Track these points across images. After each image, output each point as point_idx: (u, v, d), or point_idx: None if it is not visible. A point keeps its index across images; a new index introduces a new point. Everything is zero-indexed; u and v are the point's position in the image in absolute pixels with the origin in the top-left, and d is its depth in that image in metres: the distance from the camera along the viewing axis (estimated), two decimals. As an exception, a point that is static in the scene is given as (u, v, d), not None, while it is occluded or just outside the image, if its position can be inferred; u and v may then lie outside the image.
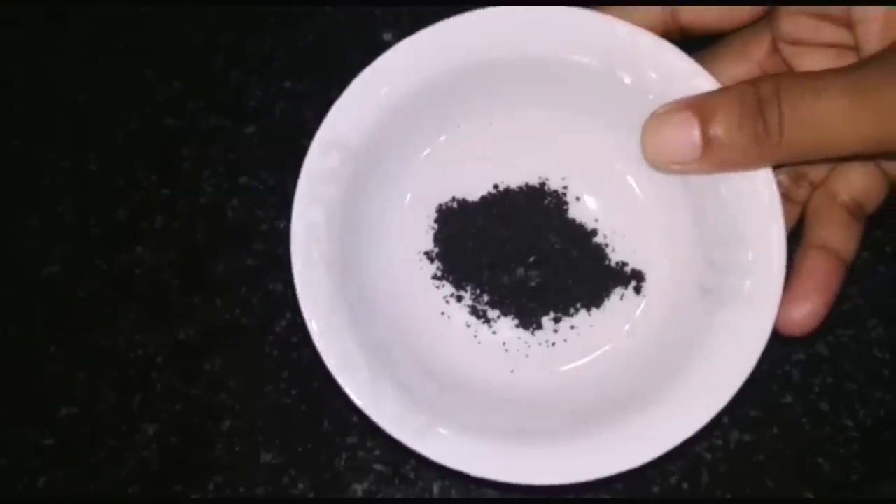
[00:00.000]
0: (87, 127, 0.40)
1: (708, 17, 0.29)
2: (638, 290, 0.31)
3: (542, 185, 0.32)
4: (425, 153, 0.32)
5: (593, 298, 0.31)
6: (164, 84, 0.42)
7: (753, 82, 0.25)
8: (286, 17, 0.45)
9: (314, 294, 0.28)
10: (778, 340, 0.35)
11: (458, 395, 0.29)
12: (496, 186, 0.32)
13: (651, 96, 0.28)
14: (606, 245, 0.31)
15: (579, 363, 0.30)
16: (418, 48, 0.30)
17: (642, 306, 0.31)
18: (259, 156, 0.39)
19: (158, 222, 0.38)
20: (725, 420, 0.33)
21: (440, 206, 0.32)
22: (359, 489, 0.31)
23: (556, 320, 0.31)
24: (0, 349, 0.34)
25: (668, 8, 0.28)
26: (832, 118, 0.24)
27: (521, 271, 0.31)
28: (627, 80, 0.29)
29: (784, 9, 0.28)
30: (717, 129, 0.25)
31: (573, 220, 0.32)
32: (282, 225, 0.37)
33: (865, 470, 0.32)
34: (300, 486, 0.31)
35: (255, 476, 0.31)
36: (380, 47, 0.43)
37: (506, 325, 0.31)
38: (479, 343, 0.31)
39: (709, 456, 0.32)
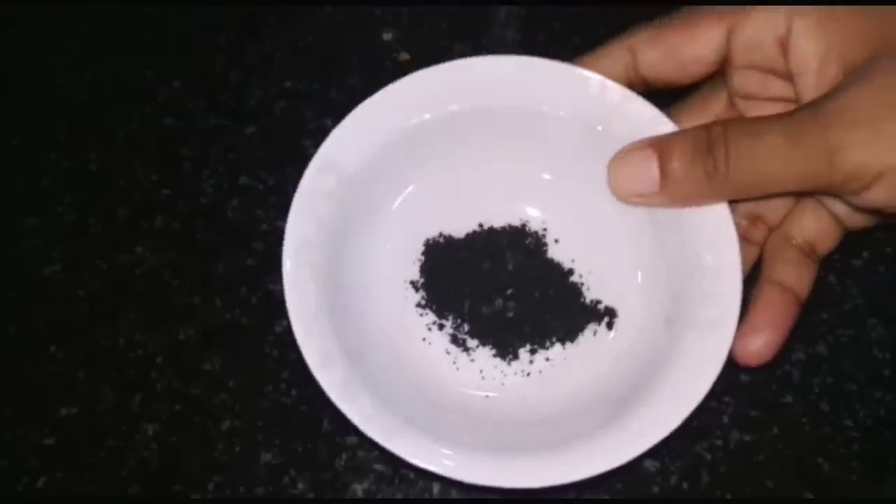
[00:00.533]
0: (87, 127, 0.41)
1: (666, 71, 0.31)
2: (610, 325, 0.33)
3: (524, 226, 0.34)
4: (417, 189, 0.34)
5: (568, 333, 0.32)
6: (164, 84, 0.42)
7: (706, 126, 0.28)
8: (286, 17, 0.45)
9: (300, 297, 0.29)
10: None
11: (433, 408, 0.30)
12: (481, 225, 0.34)
13: (621, 142, 0.30)
14: (582, 284, 0.33)
15: (553, 392, 0.32)
16: (418, 88, 0.32)
17: (613, 339, 0.32)
18: (259, 156, 0.39)
19: (158, 222, 0.38)
20: (725, 420, 0.33)
21: (427, 239, 0.34)
22: (359, 489, 0.31)
23: (532, 352, 0.32)
24: (0, 349, 0.34)
25: (631, 63, 0.31)
26: (769, 158, 0.26)
27: (499, 302, 0.33)
28: (600, 128, 0.31)
29: (735, 66, 0.31)
30: (673, 165, 0.28)
31: (552, 260, 0.34)
32: (282, 225, 0.37)
33: (865, 470, 0.32)
34: (300, 486, 0.31)
35: (255, 476, 0.31)
36: (380, 47, 0.44)
37: (483, 355, 0.32)
38: (458, 369, 0.32)
39: (709, 456, 0.32)
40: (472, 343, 0.32)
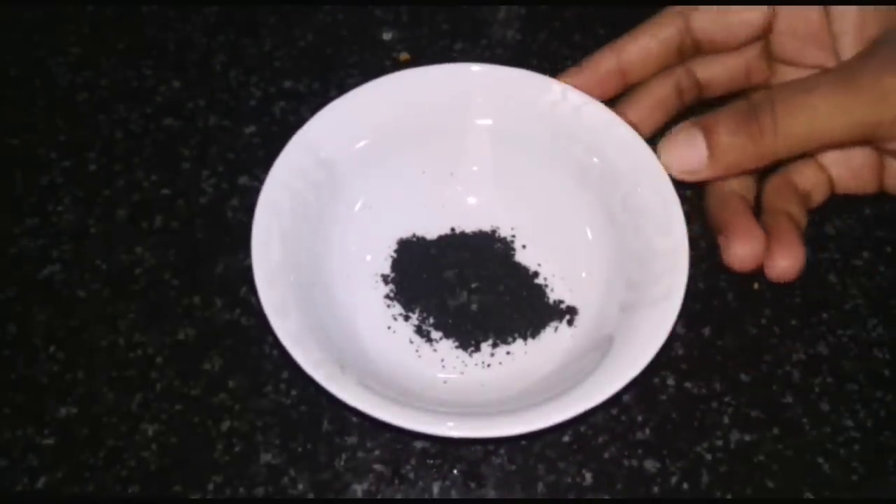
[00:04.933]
0: (87, 127, 0.41)
1: (715, 33, 0.34)
2: (571, 322, 0.34)
3: (494, 231, 0.36)
4: (393, 190, 0.35)
5: (531, 330, 0.34)
6: (164, 84, 0.42)
7: (746, 96, 0.30)
8: (286, 17, 0.45)
9: (266, 251, 0.30)
10: (779, 339, 0.35)
11: (389, 383, 0.31)
12: (452, 229, 0.36)
13: (581, 145, 0.34)
14: (546, 286, 0.35)
15: (511, 378, 0.32)
16: (402, 86, 0.34)
17: (572, 333, 0.33)
18: (259, 156, 0.39)
19: (158, 222, 0.38)
20: (725, 420, 0.33)
21: (401, 238, 0.36)
22: (359, 489, 0.31)
23: (494, 345, 0.33)
24: (0, 349, 0.34)
25: (683, 27, 0.34)
26: (824, 109, 0.28)
27: (464, 295, 0.34)
28: (565, 135, 0.34)
29: (777, 31, 0.33)
30: (719, 137, 0.29)
31: (519, 263, 0.35)
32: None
33: (865, 470, 0.32)
34: (300, 486, 0.31)
35: (255, 476, 0.31)
36: (379, 47, 0.44)
37: (446, 346, 0.33)
38: (420, 357, 0.33)
39: (709, 456, 0.32)
40: (435, 335, 0.34)
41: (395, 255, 0.35)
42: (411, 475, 0.32)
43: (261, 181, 0.32)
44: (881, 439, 0.33)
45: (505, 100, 0.35)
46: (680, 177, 0.31)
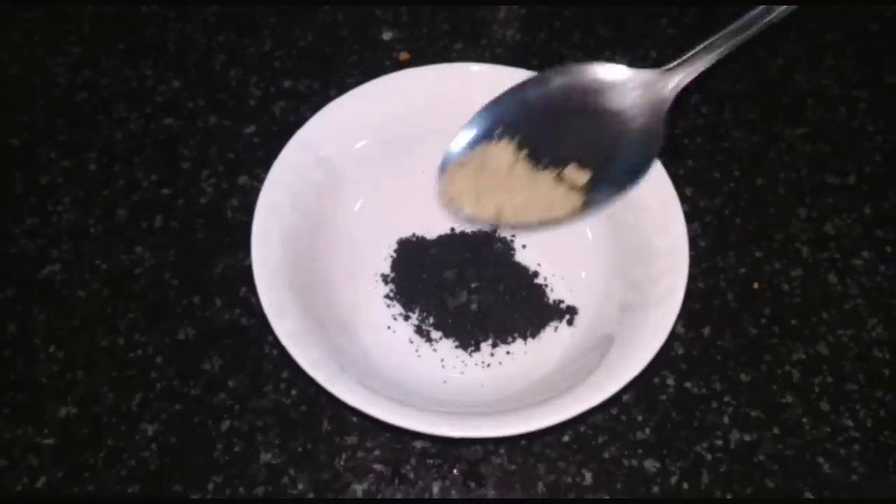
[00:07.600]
0: (87, 127, 0.41)
1: None
2: (571, 322, 0.34)
3: (494, 231, 0.36)
4: (392, 191, 0.36)
5: (531, 330, 0.34)
6: (164, 84, 0.42)
7: None
8: (286, 17, 0.45)
9: (265, 257, 0.30)
10: (779, 339, 0.35)
11: (389, 380, 0.31)
12: (452, 229, 0.36)
13: None
14: (546, 285, 0.35)
15: (511, 378, 0.33)
16: (402, 86, 0.35)
17: (572, 332, 0.34)
18: (259, 155, 0.39)
19: (158, 222, 0.38)
20: (725, 420, 0.33)
21: (401, 238, 0.36)
22: (359, 489, 0.31)
23: (494, 345, 0.33)
24: (0, 349, 0.34)
25: None
26: None
27: (464, 295, 0.34)
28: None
29: None
30: None
31: (518, 263, 0.35)
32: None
33: (865, 470, 0.32)
34: (300, 486, 0.31)
35: (255, 476, 0.31)
36: (380, 47, 0.44)
37: (446, 346, 0.33)
38: (420, 357, 0.33)
39: (709, 456, 0.32)
40: (435, 335, 0.34)
41: (395, 255, 0.35)
42: (411, 475, 0.32)
43: (261, 181, 0.32)
44: (881, 439, 0.33)
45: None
46: None
